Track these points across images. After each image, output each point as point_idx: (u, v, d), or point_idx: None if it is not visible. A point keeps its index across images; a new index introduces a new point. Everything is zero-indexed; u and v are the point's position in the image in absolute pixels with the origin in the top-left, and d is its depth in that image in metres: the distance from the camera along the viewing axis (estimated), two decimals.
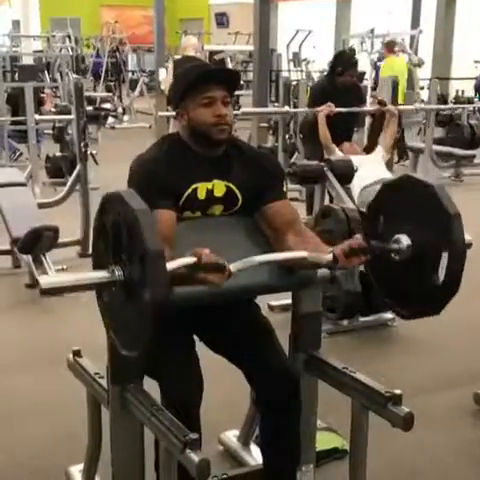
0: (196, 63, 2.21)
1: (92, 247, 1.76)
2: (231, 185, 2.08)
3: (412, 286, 1.89)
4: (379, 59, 11.69)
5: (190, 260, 1.69)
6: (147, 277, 1.52)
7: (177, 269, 1.67)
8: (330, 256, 1.88)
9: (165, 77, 8.75)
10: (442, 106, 8.83)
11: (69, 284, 1.71)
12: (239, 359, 2.17)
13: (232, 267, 1.76)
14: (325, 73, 5.92)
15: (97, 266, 1.71)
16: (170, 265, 1.62)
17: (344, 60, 5.52)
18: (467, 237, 1.83)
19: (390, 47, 9.77)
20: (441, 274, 1.80)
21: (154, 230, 1.53)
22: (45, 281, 1.67)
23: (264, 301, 3.82)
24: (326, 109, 5.07)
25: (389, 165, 5.23)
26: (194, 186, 2.04)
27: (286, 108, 5.53)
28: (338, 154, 4.83)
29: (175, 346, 2.08)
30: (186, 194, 2.03)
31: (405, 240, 1.85)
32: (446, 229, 1.77)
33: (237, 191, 2.08)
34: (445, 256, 1.78)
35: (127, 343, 1.69)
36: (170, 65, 8.04)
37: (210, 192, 2.06)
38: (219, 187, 2.07)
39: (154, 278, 1.52)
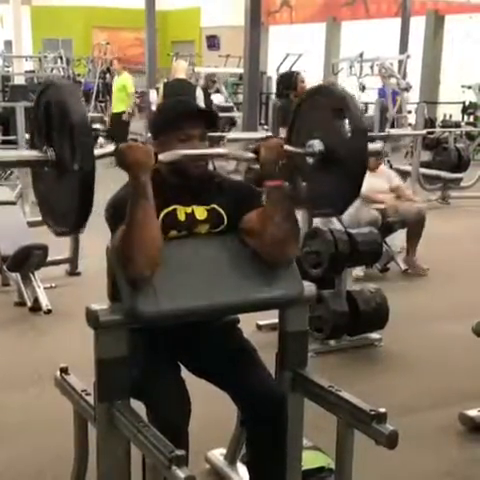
0: (178, 99, 2.31)
1: (29, 132, 2.01)
2: (215, 206, 2.12)
3: (332, 181, 2.15)
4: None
5: (111, 148, 1.86)
6: (75, 145, 1.71)
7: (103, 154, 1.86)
8: (251, 154, 2.04)
9: (156, 99, 8.83)
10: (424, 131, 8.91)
11: (6, 160, 1.94)
12: (223, 383, 2.20)
13: (161, 156, 1.91)
14: (276, 97, 6.26)
15: (32, 148, 1.91)
16: (97, 152, 1.79)
17: (291, 77, 6.06)
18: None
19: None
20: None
21: (81, 104, 1.79)
22: None
23: (252, 320, 3.85)
24: None
25: None
26: (173, 206, 2.08)
27: (269, 134, 5.64)
28: None
29: (161, 369, 2.10)
30: (164, 212, 2.06)
31: (318, 144, 2.12)
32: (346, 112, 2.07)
33: (221, 210, 2.12)
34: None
35: (58, 220, 1.85)
36: (160, 87, 8.11)
37: (190, 215, 2.10)
38: (199, 211, 2.11)
39: (81, 145, 1.71)
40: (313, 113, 2.20)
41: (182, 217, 2.09)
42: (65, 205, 1.79)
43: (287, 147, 2.10)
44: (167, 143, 2.08)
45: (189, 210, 2.10)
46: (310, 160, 2.15)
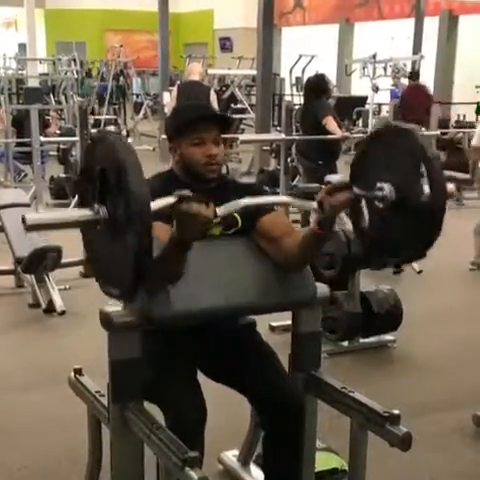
0: (192, 103, 2.28)
1: (78, 187, 1.82)
2: None
3: (401, 231, 1.93)
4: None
5: (172, 199, 1.71)
6: (132, 216, 1.57)
7: (162, 209, 1.69)
8: (314, 203, 1.90)
9: (169, 101, 8.84)
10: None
11: (55, 221, 1.74)
12: (241, 386, 2.20)
13: (218, 210, 1.80)
14: (309, 97, 6.39)
15: (82, 205, 1.75)
16: (154, 204, 1.64)
17: (324, 80, 6.30)
18: (450, 186, 1.96)
19: None
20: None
21: (141, 174, 1.59)
22: (31, 217, 1.67)
23: (265, 322, 3.85)
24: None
25: None
26: None
27: (282, 135, 5.69)
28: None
29: (176, 372, 2.11)
30: None
31: (388, 187, 1.89)
32: (425, 168, 1.83)
33: (235, 213, 2.13)
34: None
35: (110, 281, 1.73)
36: (174, 89, 8.13)
37: None
38: None
39: (138, 217, 1.56)
40: (384, 154, 1.96)
41: None
42: (118, 266, 1.66)
43: (355, 190, 1.91)
44: (182, 146, 2.10)
45: None
46: (378, 204, 1.93)
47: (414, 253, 1.98)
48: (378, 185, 1.91)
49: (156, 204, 1.67)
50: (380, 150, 1.98)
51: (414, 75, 10.35)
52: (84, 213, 1.69)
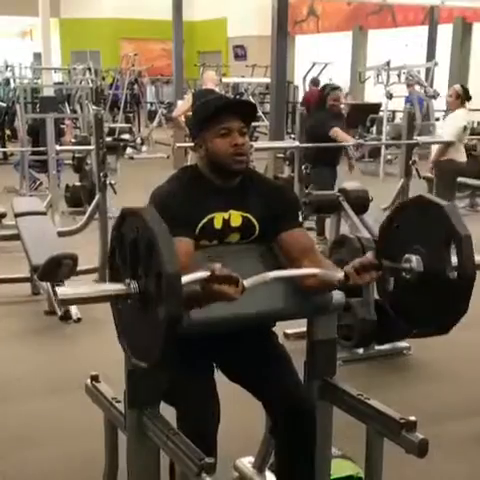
0: (214, 96, 2.25)
1: (108, 260, 1.80)
2: (248, 215, 2.12)
3: (427, 303, 1.89)
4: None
5: (204, 274, 1.73)
6: (163, 296, 1.56)
7: (191, 284, 1.71)
8: (341, 274, 1.90)
9: (179, 106, 8.84)
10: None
11: (85, 296, 1.75)
12: (256, 387, 2.20)
13: (245, 282, 1.79)
14: (315, 107, 6.37)
15: (113, 279, 1.76)
16: (184, 278, 1.64)
17: (323, 92, 6.28)
18: (478, 258, 1.87)
19: None
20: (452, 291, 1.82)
21: (172, 250, 1.57)
22: (62, 292, 1.70)
23: (280, 329, 3.85)
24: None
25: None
26: (210, 216, 2.08)
27: (296, 143, 5.67)
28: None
29: (193, 373, 2.11)
30: (202, 223, 2.07)
31: (416, 259, 1.87)
32: (456, 247, 1.79)
33: (254, 220, 2.12)
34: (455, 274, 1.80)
35: (139, 353, 1.73)
36: (187, 95, 8.18)
37: (226, 222, 2.10)
38: (235, 217, 2.11)
39: (170, 298, 1.55)
40: (413, 225, 1.93)
41: (219, 224, 2.09)
42: (146, 338, 1.68)
43: (384, 262, 1.91)
44: (207, 139, 2.08)
45: (226, 216, 2.10)
46: (405, 275, 1.91)
47: (439, 327, 1.91)
48: (406, 256, 1.89)
49: (187, 278, 1.68)
50: (409, 221, 1.94)
51: (315, 82, 10.62)
52: (116, 287, 1.71)
